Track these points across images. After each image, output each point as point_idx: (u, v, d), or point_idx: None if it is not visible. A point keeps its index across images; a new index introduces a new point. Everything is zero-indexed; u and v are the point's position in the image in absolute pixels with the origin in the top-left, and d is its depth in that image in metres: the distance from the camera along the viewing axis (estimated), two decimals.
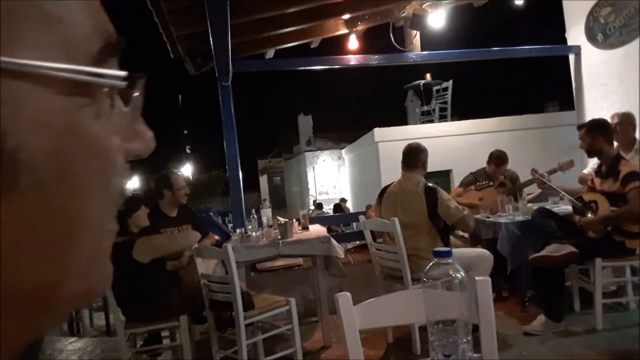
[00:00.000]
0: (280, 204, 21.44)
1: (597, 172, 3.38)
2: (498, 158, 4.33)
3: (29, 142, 0.21)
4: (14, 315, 0.22)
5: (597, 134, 3.28)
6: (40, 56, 0.22)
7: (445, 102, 14.33)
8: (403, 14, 5.06)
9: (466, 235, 4.25)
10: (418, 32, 5.03)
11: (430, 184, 3.28)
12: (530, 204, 3.92)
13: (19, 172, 0.21)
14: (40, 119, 0.22)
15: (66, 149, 0.23)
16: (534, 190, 4.35)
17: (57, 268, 0.24)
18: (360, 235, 4.33)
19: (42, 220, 0.22)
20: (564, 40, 5.18)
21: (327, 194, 19.33)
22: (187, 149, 26.35)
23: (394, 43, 5.07)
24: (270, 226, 3.69)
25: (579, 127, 3.44)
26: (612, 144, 3.32)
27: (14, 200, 0.21)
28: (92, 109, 0.24)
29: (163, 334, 3.49)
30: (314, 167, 20.09)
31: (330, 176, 19.76)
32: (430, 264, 0.94)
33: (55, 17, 0.23)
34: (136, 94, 0.27)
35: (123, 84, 0.26)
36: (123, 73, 0.26)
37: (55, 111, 0.22)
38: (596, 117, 4.56)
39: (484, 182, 4.26)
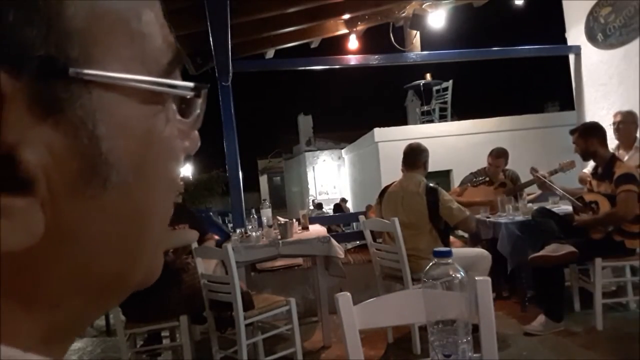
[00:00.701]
0: (280, 204, 21.44)
1: (594, 173, 3.39)
2: (497, 153, 4.33)
3: (117, 145, 0.24)
4: (87, 299, 0.26)
5: (590, 137, 3.29)
6: (123, 69, 0.24)
7: (445, 102, 14.32)
8: (403, 14, 5.06)
9: (466, 235, 4.25)
10: (418, 32, 5.03)
11: (431, 184, 3.28)
12: (530, 204, 3.92)
13: (109, 172, 0.24)
14: (126, 125, 0.25)
15: (144, 150, 0.26)
16: (534, 190, 4.34)
17: (129, 258, 0.27)
18: (360, 235, 4.33)
19: (123, 216, 0.25)
20: (564, 40, 5.18)
21: (327, 194, 19.33)
22: None
23: (394, 43, 5.07)
24: (270, 226, 3.69)
25: (572, 132, 3.43)
26: (607, 146, 3.33)
27: (103, 198, 0.24)
28: (163, 115, 0.27)
29: (163, 334, 3.49)
30: (314, 167, 20.09)
31: (330, 176, 19.76)
32: (430, 264, 0.94)
33: (137, 33, 0.26)
34: (200, 101, 0.30)
35: (191, 93, 0.28)
36: (191, 84, 0.28)
37: (136, 118, 0.25)
38: (596, 117, 4.59)
39: (480, 178, 4.26)
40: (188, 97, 0.29)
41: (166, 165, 0.28)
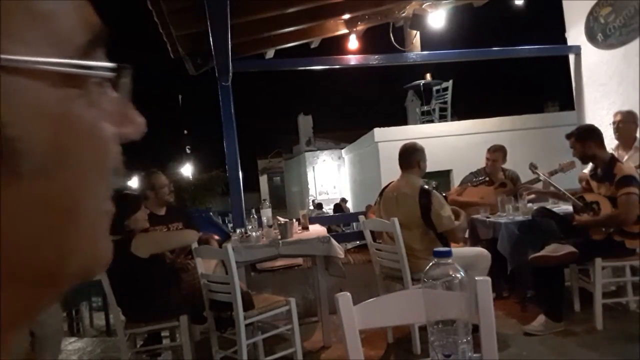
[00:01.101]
0: (280, 204, 21.45)
1: (593, 174, 3.37)
2: (494, 147, 4.32)
3: (27, 132, 0.23)
4: (21, 290, 0.25)
5: (587, 140, 3.27)
6: (31, 51, 0.23)
7: (445, 102, 14.34)
8: (403, 14, 5.05)
9: (466, 235, 4.24)
10: (418, 32, 5.03)
11: (426, 187, 3.22)
12: (530, 204, 3.91)
13: (19, 160, 0.23)
14: (36, 111, 0.23)
15: (63, 136, 0.25)
16: None
17: (60, 247, 0.26)
18: (360, 235, 4.33)
19: (44, 204, 0.24)
20: (564, 40, 5.18)
21: (327, 194, 19.34)
22: (187, 149, 26.41)
23: (394, 43, 5.07)
24: (270, 226, 3.69)
25: (568, 136, 3.41)
26: (604, 147, 3.31)
27: (19, 187, 0.23)
28: (84, 98, 0.26)
29: (163, 334, 3.49)
30: (314, 167, 20.10)
31: (330, 176, 19.77)
32: (430, 264, 0.94)
33: (42, 13, 0.24)
34: (124, 81, 0.29)
35: (111, 74, 0.27)
36: (110, 64, 0.27)
37: (50, 102, 0.24)
38: (596, 117, 4.58)
39: (480, 178, 4.25)
40: (108, 78, 0.27)
41: (93, 151, 0.27)
